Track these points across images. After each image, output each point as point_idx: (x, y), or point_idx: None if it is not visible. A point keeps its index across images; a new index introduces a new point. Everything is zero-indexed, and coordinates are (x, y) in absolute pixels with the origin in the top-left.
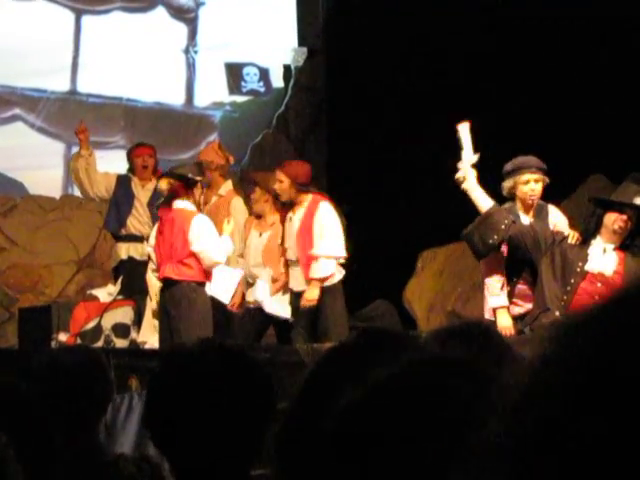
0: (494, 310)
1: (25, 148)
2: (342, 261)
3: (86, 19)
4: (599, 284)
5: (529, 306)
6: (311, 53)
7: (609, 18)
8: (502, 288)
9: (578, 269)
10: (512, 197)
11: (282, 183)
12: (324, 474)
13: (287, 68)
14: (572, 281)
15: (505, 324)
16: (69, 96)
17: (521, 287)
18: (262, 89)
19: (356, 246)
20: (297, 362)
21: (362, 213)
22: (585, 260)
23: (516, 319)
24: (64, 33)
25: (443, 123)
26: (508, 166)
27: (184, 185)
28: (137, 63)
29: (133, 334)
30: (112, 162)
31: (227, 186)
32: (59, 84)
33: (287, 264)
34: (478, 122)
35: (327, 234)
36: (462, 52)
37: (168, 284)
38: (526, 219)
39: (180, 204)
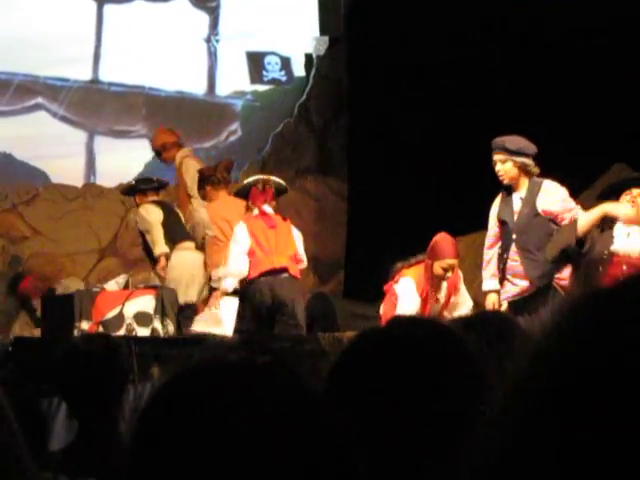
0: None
1: (47, 137)
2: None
3: (108, 8)
4: (625, 266)
5: (523, 284)
6: (333, 42)
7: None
8: (490, 272)
9: (605, 256)
10: None
11: None
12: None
13: (309, 57)
14: (600, 268)
15: (488, 303)
16: (91, 85)
17: (513, 264)
18: (283, 78)
19: (379, 235)
20: (318, 351)
21: (384, 202)
22: (610, 244)
23: (514, 301)
24: (86, 22)
25: (466, 112)
26: None
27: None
28: (159, 52)
29: (155, 323)
30: (133, 151)
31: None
32: (81, 73)
33: None
34: (501, 111)
35: None
36: (487, 40)
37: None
38: (516, 197)
39: (268, 209)
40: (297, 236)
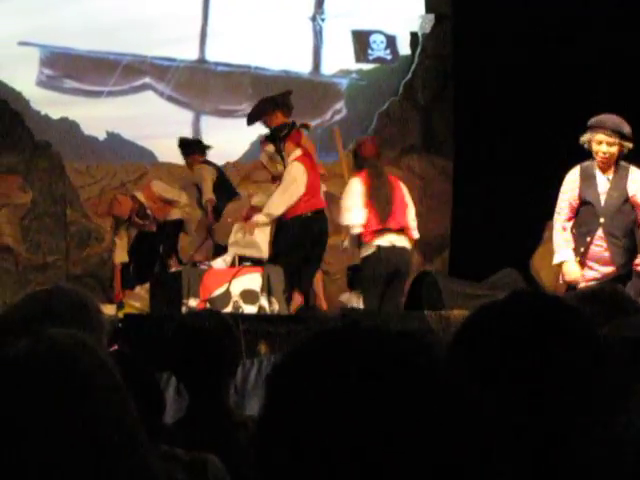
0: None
1: (155, 116)
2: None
3: None
4: None
5: (605, 270)
6: (438, 20)
7: None
8: (565, 239)
9: None
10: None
11: None
12: None
13: (414, 35)
14: None
15: (571, 272)
16: (198, 65)
17: (596, 249)
18: (389, 57)
19: (484, 214)
20: (425, 329)
21: (489, 181)
22: None
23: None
24: (193, 2)
25: (572, 92)
26: (591, 120)
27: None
28: (265, 31)
29: (262, 300)
30: (239, 130)
31: None
32: (188, 53)
33: None
34: (613, 91)
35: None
36: (589, 24)
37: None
38: (602, 178)
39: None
40: None
